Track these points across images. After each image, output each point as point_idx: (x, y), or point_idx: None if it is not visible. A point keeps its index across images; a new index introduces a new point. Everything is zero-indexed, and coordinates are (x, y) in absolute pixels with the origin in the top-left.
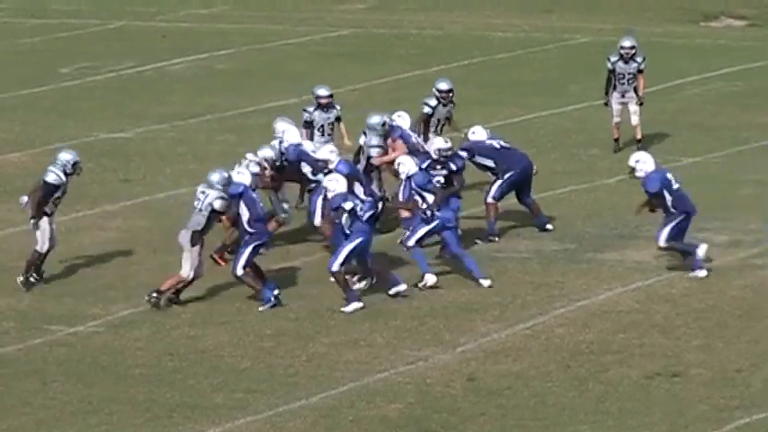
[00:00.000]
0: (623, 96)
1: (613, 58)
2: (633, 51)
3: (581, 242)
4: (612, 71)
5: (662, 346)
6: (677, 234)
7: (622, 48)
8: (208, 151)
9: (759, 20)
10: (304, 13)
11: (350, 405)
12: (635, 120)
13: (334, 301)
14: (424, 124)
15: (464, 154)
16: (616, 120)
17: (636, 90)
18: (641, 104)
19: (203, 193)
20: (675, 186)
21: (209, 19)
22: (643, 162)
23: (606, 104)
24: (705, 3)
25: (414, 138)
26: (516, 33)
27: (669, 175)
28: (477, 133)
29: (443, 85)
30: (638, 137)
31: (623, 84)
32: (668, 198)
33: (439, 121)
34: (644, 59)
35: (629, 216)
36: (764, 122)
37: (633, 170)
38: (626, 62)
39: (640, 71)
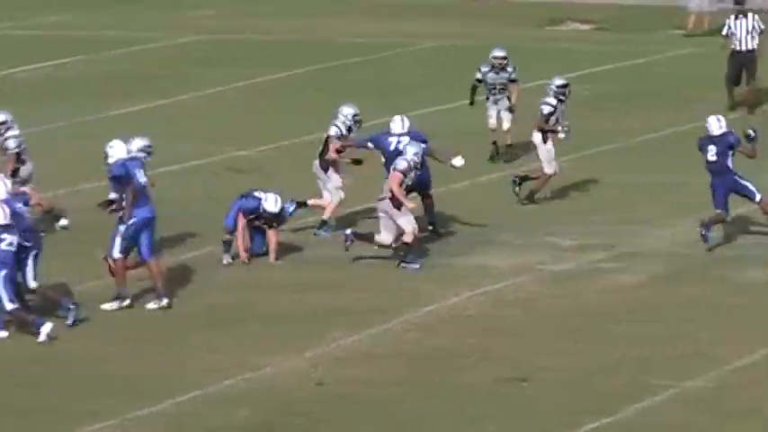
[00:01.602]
0: (496, 104)
1: (484, 68)
2: (505, 62)
3: (430, 247)
4: (482, 80)
5: (512, 351)
6: None
7: (494, 58)
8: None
9: (605, 23)
10: (152, 21)
11: (198, 411)
12: (506, 125)
13: (181, 307)
14: None
15: None
16: (492, 126)
17: (509, 98)
18: (512, 112)
19: None
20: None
21: (55, 27)
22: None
23: (471, 104)
24: (551, 7)
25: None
26: (367, 38)
27: None
28: None
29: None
30: (508, 142)
31: (494, 93)
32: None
33: None
34: (515, 69)
35: (479, 221)
36: (613, 126)
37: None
38: (497, 72)
39: (512, 80)
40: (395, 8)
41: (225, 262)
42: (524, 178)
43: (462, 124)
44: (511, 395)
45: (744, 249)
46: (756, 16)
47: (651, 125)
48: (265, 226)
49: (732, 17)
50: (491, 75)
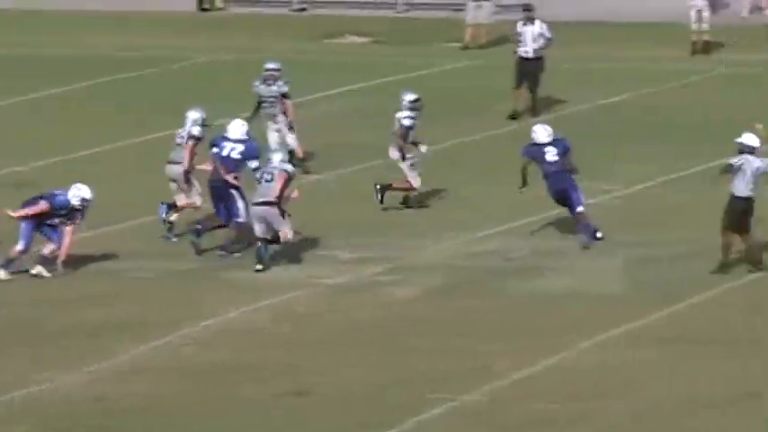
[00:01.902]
0: (273, 119)
1: (257, 82)
2: (277, 74)
3: (210, 261)
4: (258, 95)
5: (290, 365)
6: None
7: (266, 70)
8: None
9: (382, 36)
10: None
11: None
12: (291, 143)
13: None
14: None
15: None
16: (273, 145)
17: (285, 113)
18: (292, 129)
19: None
20: None
21: None
22: None
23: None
24: (329, 20)
25: None
26: (143, 52)
27: None
28: None
29: None
30: (300, 155)
31: (266, 107)
32: None
33: None
34: (286, 83)
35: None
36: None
37: None
38: (269, 84)
39: (284, 95)
40: (172, 22)
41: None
42: (386, 187)
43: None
44: (288, 409)
45: (523, 261)
46: (544, 24)
47: (429, 138)
48: (62, 224)
49: (520, 23)
50: (262, 87)
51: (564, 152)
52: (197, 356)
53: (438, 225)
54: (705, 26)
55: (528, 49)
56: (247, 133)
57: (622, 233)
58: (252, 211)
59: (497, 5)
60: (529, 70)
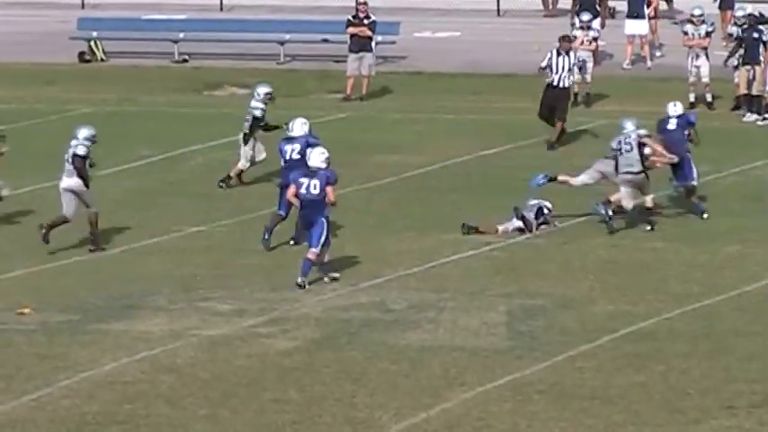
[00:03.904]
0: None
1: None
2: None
3: (86, 313)
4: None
5: (168, 417)
6: None
7: (266, 94)
8: None
9: None
10: None
11: None
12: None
13: None
14: None
15: None
16: None
17: None
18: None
19: None
20: None
21: None
22: None
23: None
24: (210, 72)
25: None
26: (19, 105)
27: None
28: None
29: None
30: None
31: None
32: None
33: None
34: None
35: (134, 286)
36: (265, 191)
37: None
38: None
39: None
40: (52, 74)
41: None
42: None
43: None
44: None
45: (402, 313)
46: (579, 55)
47: None
48: None
49: (554, 52)
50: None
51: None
52: (75, 409)
53: (317, 276)
54: (588, 77)
55: (561, 79)
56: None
57: (504, 284)
58: None
59: (378, 57)
60: (557, 99)
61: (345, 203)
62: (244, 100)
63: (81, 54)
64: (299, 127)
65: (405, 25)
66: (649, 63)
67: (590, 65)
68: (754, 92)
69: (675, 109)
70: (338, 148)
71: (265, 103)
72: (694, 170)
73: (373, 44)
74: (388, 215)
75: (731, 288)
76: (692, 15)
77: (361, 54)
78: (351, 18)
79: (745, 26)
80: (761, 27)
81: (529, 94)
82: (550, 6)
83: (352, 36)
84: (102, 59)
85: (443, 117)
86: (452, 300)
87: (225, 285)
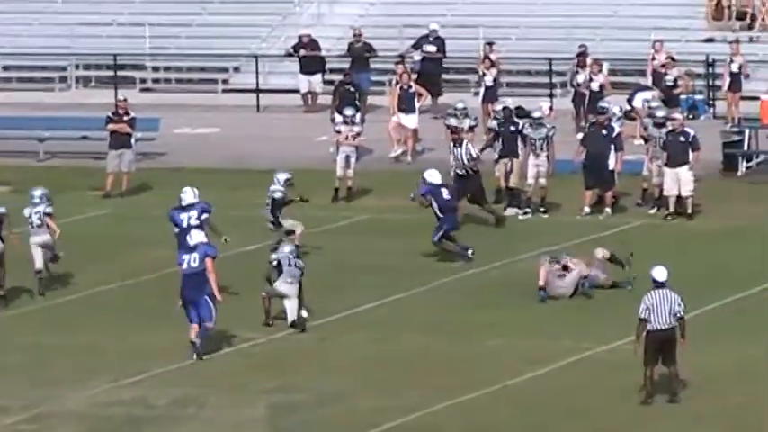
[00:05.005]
0: None
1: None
2: None
3: None
4: None
5: None
6: None
7: None
8: None
9: (22, 185)
10: None
11: None
12: None
13: None
14: None
15: None
16: None
17: None
18: None
19: None
20: None
21: None
22: None
23: None
24: None
25: None
26: None
27: None
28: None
29: None
30: None
31: None
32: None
33: None
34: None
35: None
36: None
37: None
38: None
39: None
40: None
41: None
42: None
43: None
44: None
45: (163, 409)
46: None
47: (67, 287)
48: None
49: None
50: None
51: None
52: None
53: (79, 371)
54: (350, 172)
55: None
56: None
57: (265, 380)
58: None
59: (138, 153)
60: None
61: (107, 299)
62: (3, 197)
63: None
64: (191, 194)
65: (164, 121)
66: (409, 158)
67: (353, 159)
68: (511, 184)
69: None
70: (100, 243)
71: (285, 188)
72: None
73: (133, 141)
74: (152, 310)
75: (493, 382)
76: (456, 109)
77: (120, 150)
78: (110, 115)
79: (502, 120)
80: (517, 121)
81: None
82: (310, 102)
83: (111, 133)
84: None
85: None
86: (214, 395)
87: None
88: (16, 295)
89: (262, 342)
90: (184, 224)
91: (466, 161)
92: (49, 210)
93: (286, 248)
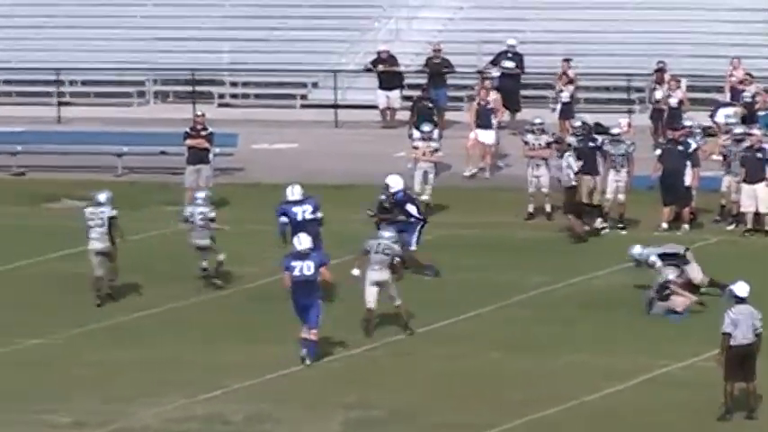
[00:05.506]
0: None
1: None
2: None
3: None
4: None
5: None
6: None
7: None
8: None
9: None
10: None
11: None
12: None
13: None
14: None
15: None
16: None
17: None
18: None
19: None
20: None
21: None
22: None
23: None
24: (48, 184)
25: None
26: None
27: None
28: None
29: None
30: None
31: None
32: None
33: None
34: None
35: None
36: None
37: None
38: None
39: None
40: None
41: None
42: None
43: None
44: None
45: (240, 425)
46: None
47: (140, 302)
48: None
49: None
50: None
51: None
52: None
53: (156, 386)
54: (428, 188)
55: None
56: None
57: (341, 395)
58: None
59: (216, 169)
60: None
61: (183, 315)
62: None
63: None
64: (299, 189)
65: (242, 136)
66: (488, 173)
67: (431, 175)
68: (596, 201)
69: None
70: (179, 259)
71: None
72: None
73: (211, 156)
74: (227, 326)
75: (569, 398)
76: (533, 125)
77: (198, 166)
78: (188, 130)
79: (581, 136)
80: (596, 137)
81: (367, 204)
82: (388, 118)
83: (189, 148)
84: None
85: None
86: (289, 411)
87: (60, 398)
88: (94, 310)
89: (338, 357)
90: (299, 217)
91: (567, 174)
92: (113, 213)
93: (385, 234)
